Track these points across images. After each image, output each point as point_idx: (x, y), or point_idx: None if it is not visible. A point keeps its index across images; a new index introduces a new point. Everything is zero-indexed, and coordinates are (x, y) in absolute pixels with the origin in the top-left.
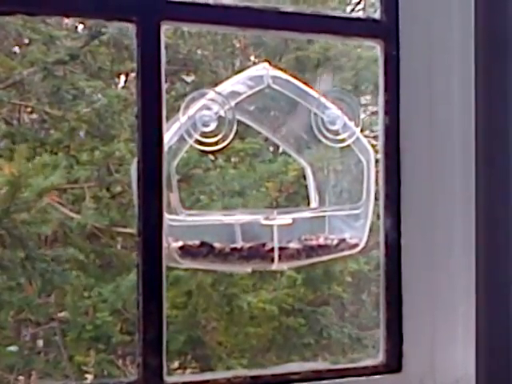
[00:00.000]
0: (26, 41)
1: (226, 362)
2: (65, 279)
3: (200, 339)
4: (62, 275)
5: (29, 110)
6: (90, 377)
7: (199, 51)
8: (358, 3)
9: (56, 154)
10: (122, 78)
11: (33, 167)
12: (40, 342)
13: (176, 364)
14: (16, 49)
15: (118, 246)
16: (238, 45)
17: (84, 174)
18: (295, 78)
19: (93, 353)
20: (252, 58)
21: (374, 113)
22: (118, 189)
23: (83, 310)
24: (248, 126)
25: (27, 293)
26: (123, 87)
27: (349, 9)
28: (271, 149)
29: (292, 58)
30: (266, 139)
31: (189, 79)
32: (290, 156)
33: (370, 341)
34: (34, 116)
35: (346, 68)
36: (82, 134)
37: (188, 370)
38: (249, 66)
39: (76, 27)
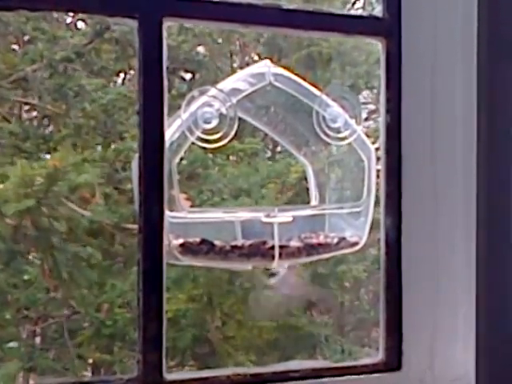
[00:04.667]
0: (29, 38)
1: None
2: (85, 273)
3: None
4: (82, 270)
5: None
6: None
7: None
8: (354, 3)
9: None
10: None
11: (72, 163)
12: (46, 339)
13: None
14: (18, 46)
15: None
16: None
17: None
18: (297, 75)
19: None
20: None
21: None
22: (128, 186)
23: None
24: (247, 125)
25: (52, 289)
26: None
27: (349, 7)
28: (269, 147)
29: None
30: (263, 139)
31: (187, 76)
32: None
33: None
34: (35, 113)
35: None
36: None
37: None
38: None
39: (75, 25)
